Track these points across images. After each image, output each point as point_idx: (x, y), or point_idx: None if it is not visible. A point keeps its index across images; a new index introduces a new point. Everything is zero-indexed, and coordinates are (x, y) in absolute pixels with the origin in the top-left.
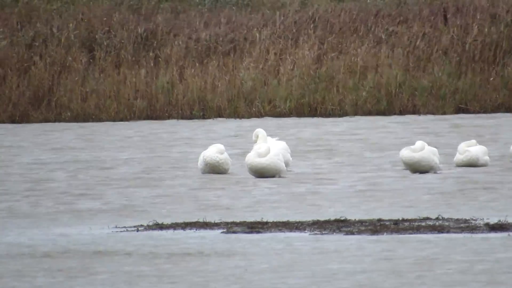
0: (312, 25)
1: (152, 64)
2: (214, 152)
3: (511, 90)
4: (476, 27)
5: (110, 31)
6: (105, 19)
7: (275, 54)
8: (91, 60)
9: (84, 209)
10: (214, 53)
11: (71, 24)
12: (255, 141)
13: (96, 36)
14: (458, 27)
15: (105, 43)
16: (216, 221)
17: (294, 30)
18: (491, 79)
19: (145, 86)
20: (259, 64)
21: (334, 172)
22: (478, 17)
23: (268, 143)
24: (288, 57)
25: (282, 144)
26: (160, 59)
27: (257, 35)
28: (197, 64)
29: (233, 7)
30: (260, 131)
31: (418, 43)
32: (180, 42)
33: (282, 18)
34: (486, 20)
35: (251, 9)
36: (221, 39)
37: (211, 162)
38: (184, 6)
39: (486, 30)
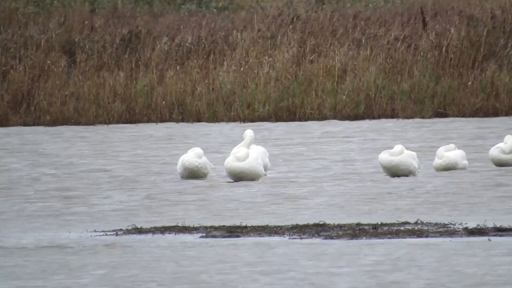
0: (291, 28)
1: (132, 67)
2: (192, 156)
3: (489, 95)
4: (454, 30)
5: (91, 34)
6: (86, 22)
7: (254, 57)
8: (71, 64)
9: (66, 213)
10: (194, 56)
11: (51, 27)
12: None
13: (76, 39)
14: (437, 30)
15: (87, 46)
16: (195, 225)
17: (273, 33)
18: (470, 83)
19: (124, 89)
20: (238, 67)
21: (312, 176)
22: (457, 21)
23: (247, 147)
24: (267, 60)
25: (261, 148)
26: (140, 62)
27: (237, 38)
28: (177, 67)
29: (214, 10)
30: (249, 132)
31: (398, 46)
32: (161, 45)
33: (262, 20)
34: (463, 23)
35: (231, 12)
36: (201, 41)
37: (190, 166)
38: (163, 9)
39: (463, 33)
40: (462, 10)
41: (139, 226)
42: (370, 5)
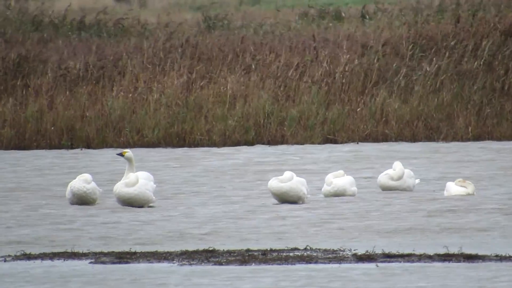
0: (180, 53)
1: (21, 93)
2: (81, 182)
3: (378, 121)
4: (346, 57)
5: None
6: None
7: (144, 82)
8: None
9: None
10: (84, 82)
11: None
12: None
13: None
14: (327, 57)
15: None
16: (84, 251)
17: (162, 58)
18: (359, 109)
19: (13, 115)
20: (127, 93)
21: (200, 203)
22: (348, 48)
23: (135, 172)
24: (156, 85)
25: (145, 174)
26: (29, 87)
27: (126, 63)
28: (67, 93)
29: (102, 35)
30: (128, 154)
31: (288, 72)
32: (50, 71)
33: (151, 45)
34: (356, 51)
35: (120, 37)
36: (90, 67)
37: (78, 192)
38: (52, 34)
39: (356, 60)
40: (358, 40)
41: (27, 252)
42: (261, 32)
